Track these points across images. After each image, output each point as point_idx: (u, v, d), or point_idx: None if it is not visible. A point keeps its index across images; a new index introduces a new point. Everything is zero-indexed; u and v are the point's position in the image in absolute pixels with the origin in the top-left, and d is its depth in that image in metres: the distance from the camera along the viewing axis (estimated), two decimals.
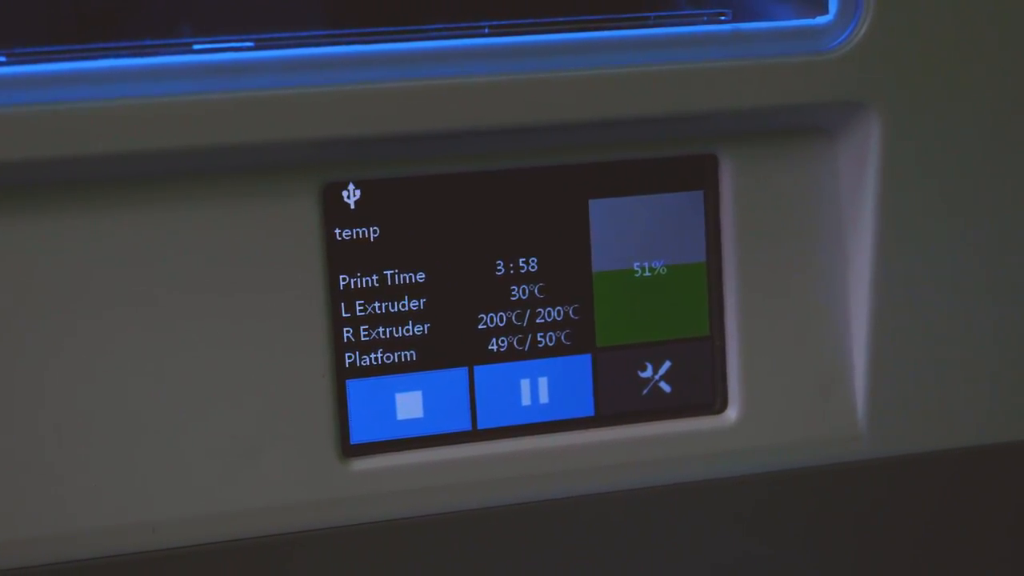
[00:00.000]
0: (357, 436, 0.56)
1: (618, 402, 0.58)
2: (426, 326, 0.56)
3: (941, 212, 0.58)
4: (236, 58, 0.52)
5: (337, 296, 0.55)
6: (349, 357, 0.56)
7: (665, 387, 0.59)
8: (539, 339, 0.57)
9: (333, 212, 0.55)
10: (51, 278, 0.52)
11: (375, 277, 0.56)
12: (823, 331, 0.59)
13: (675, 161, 0.58)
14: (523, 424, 0.58)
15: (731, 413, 0.59)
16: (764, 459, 0.59)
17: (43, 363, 0.53)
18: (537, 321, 0.57)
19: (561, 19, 0.55)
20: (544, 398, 0.58)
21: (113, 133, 0.51)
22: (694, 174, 0.58)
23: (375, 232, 0.56)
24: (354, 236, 0.55)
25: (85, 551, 0.53)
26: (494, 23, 0.54)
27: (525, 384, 0.58)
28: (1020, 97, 0.57)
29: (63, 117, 0.50)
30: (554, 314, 0.58)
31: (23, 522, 0.53)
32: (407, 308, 0.56)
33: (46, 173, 0.51)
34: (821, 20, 0.57)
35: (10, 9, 0.55)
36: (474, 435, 0.57)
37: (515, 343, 0.57)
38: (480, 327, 0.57)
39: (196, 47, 0.52)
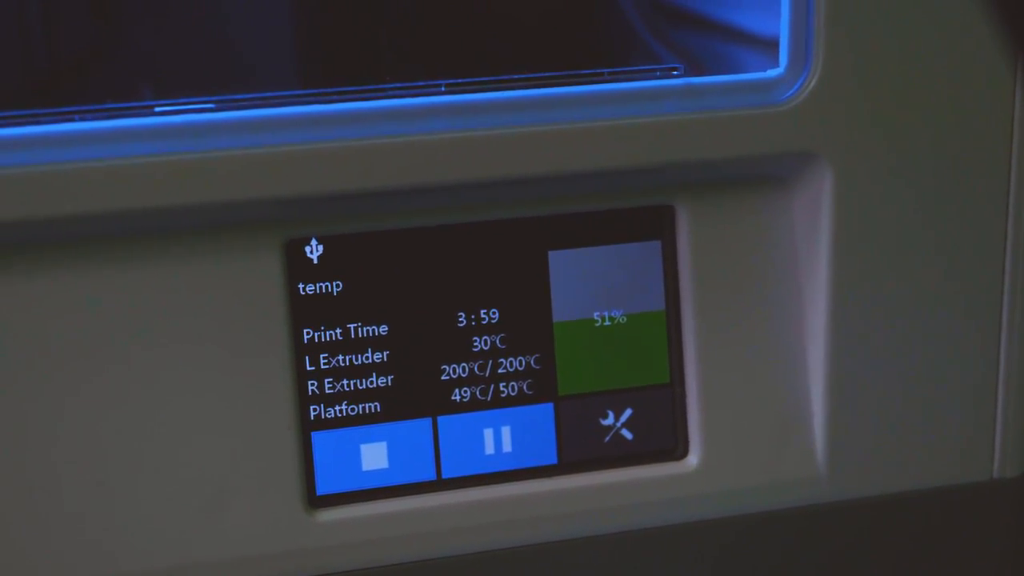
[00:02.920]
0: (323, 487, 0.57)
1: (581, 450, 0.59)
2: (390, 378, 0.57)
3: (894, 258, 0.59)
4: (198, 119, 0.53)
5: (301, 349, 0.56)
6: (314, 409, 0.57)
7: (627, 434, 0.60)
8: (501, 389, 0.59)
9: (296, 267, 0.56)
10: (11, 335, 0.53)
11: (339, 330, 0.57)
12: (781, 376, 0.60)
13: (633, 212, 0.59)
14: (487, 473, 0.58)
15: (692, 459, 0.60)
16: (725, 504, 0.60)
17: (6, 418, 0.54)
18: (499, 371, 0.58)
19: (517, 76, 0.56)
20: (507, 447, 0.59)
21: (76, 195, 0.52)
22: (652, 225, 0.59)
23: (338, 286, 0.57)
24: (317, 290, 0.56)
25: None
26: (450, 81, 0.55)
27: (488, 433, 0.58)
28: (967, 146, 0.59)
29: (26, 180, 0.51)
30: (516, 364, 0.59)
31: None
32: (371, 360, 0.57)
33: (4, 235, 0.52)
34: (772, 73, 0.58)
35: None
36: (439, 484, 0.58)
37: (478, 393, 0.58)
38: (443, 378, 0.58)
39: (158, 109, 0.53)
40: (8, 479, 0.54)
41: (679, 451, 0.60)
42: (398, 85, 0.55)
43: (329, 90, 0.54)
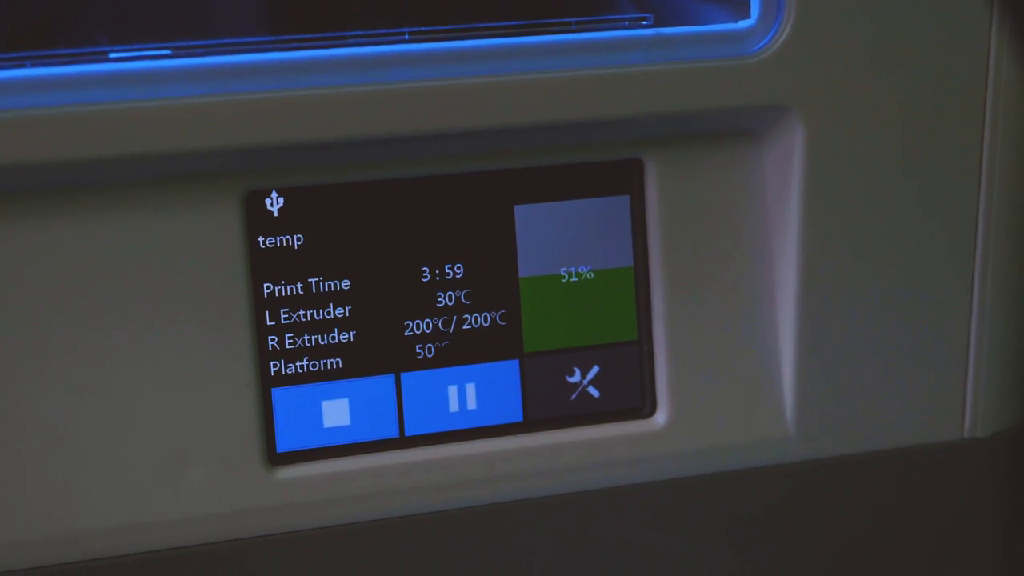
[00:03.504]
0: (283, 444, 0.56)
1: (546, 407, 0.58)
2: (352, 333, 0.56)
3: (865, 214, 0.58)
4: (154, 66, 0.51)
5: (261, 304, 0.55)
6: (275, 365, 0.56)
7: (594, 392, 0.59)
8: (466, 345, 0.57)
9: (256, 220, 0.55)
10: None
11: (300, 285, 0.56)
12: (751, 334, 0.59)
13: (601, 166, 0.58)
14: (451, 430, 0.57)
15: (660, 417, 0.59)
16: (693, 462, 0.59)
17: None
18: (464, 327, 0.57)
19: (483, 25, 0.55)
20: (472, 404, 0.58)
21: (29, 143, 0.50)
22: (620, 179, 0.58)
23: (299, 240, 0.55)
24: (278, 244, 0.55)
25: (5, 564, 0.53)
26: (414, 29, 0.54)
27: (453, 390, 0.57)
28: (938, 99, 0.58)
29: None
30: (481, 320, 0.58)
31: None
32: (332, 315, 0.56)
33: None
34: (743, 24, 0.57)
35: None
36: (402, 442, 0.57)
37: (442, 349, 0.57)
38: (407, 334, 0.57)
39: (112, 55, 0.51)
40: None
41: (646, 409, 0.59)
42: (361, 33, 0.54)
43: (290, 37, 0.53)
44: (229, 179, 0.54)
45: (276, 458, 0.56)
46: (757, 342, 0.59)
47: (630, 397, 0.59)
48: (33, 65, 0.51)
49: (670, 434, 0.59)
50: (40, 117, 0.50)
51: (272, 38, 0.53)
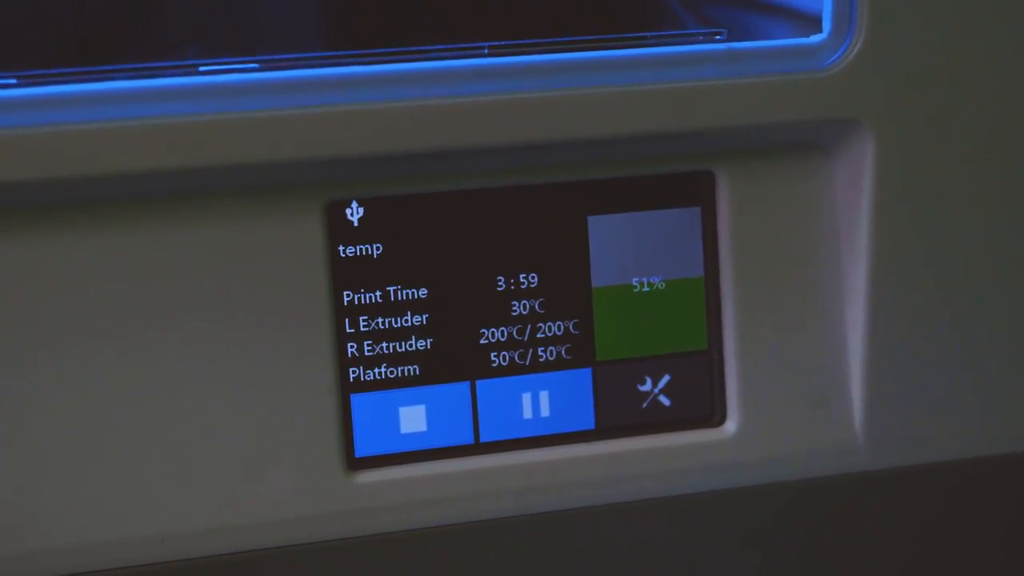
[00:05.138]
0: (362, 449, 0.57)
1: (618, 415, 0.59)
2: (429, 341, 0.57)
3: (936, 226, 0.59)
4: (241, 79, 0.53)
5: (341, 312, 0.56)
6: (353, 372, 0.57)
7: (664, 400, 0.60)
8: (540, 353, 0.58)
9: (337, 229, 0.56)
10: (57, 296, 0.53)
11: (378, 293, 0.57)
12: (820, 344, 0.60)
13: (673, 178, 0.59)
14: (525, 437, 0.58)
15: (729, 426, 0.60)
16: (762, 471, 0.60)
17: (54, 378, 0.54)
18: (538, 336, 0.58)
19: (560, 39, 0.56)
20: (545, 411, 0.59)
21: (120, 153, 0.52)
22: (691, 191, 0.59)
23: (378, 249, 0.57)
24: (358, 253, 0.56)
25: (94, 563, 0.54)
26: (494, 44, 0.55)
27: (526, 398, 0.58)
28: (1012, 114, 0.58)
29: (71, 138, 0.51)
30: (554, 329, 0.59)
31: (30, 535, 0.54)
32: (410, 323, 0.57)
33: (52, 194, 0.52)
34: (815, 39, 0.58)
35: (19, 33, 0.56)
36: (476, 448, 0.58)
37: (516, 357, 0.58)
38: (482, 342, 0.58)
39: (202, 69, 0.53)
40: (55, 439, 0.54)
41: (716, 418, 0.60)
42: (441, 47, 0.55)
43: (373, 51, 0.54)
44: (311, 190, 0.55)
45: (354, 463, 0.57)
46: (826, 352, 0.60)
47: (700, 406, 0.60)
48: (123, 78, 0.52)
49: (739, 443, 0.60)
50: (131, 129, 0.51)
51: (356, 52, 0.54)
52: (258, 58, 0.53)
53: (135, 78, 0.52)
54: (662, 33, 0.58)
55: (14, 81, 0.52)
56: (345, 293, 0.56)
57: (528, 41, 0.55)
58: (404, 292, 0.57)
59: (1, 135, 0.50)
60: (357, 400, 0.57)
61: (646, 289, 0.59)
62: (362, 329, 0.57)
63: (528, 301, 0.58)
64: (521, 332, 0.58)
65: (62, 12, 0.56)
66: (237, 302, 0.55)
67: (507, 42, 0.55)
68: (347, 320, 0.57)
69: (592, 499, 0.59)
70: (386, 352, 0.57)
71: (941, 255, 0.59)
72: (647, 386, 0.60)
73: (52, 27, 0.56)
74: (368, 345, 0.57)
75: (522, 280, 0.58)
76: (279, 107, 0.53)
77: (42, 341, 0.54)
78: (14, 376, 0.54)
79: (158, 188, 0.53)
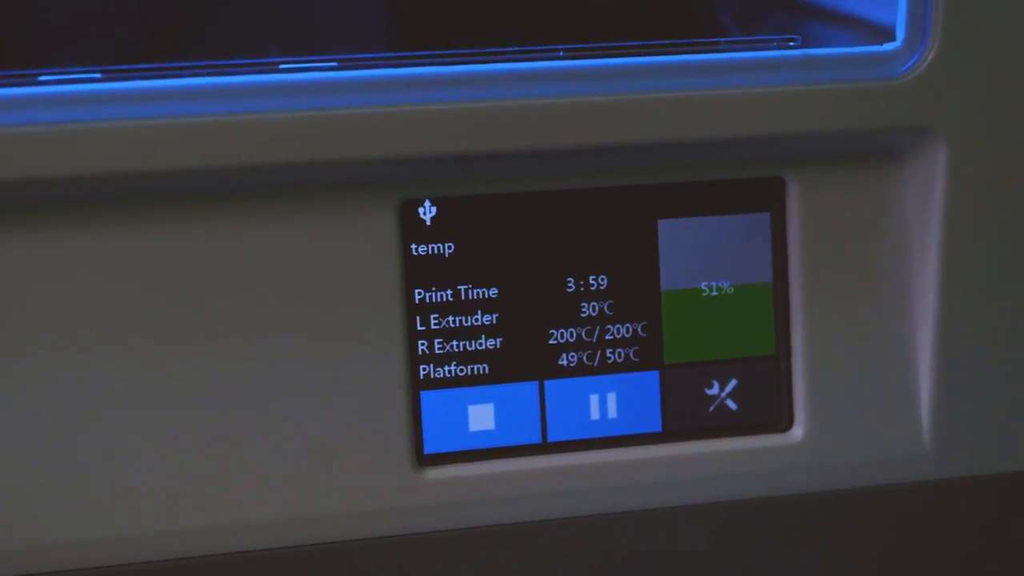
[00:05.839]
0: (431, 446, 0.58)
1: (685, 418, 0.60)
2: (498, 340, 0.58)
3: (1007, 235, 0.59)
4: (321, 78, 0.54)
5: (412, 310, 0.57)
6: (424, 369, 0.57)
7: (731, 404, 0.60)
8: (608, 355, 0.59)
9: (410, 228, 0.57)
10: (136, 286, 0.55)
11: (449, 292, 0.57)
12: (888, 351, 0.60)
13: (743, 183, 0.59)
14: (592, 438, 0.59)
15: (796, 431, 0.60)
16: (828, 477, 0.60)
17: (130, 370, 0.55)
18: (606, 337, 0.59)
19: (634, 43, 0.56)
20: (612, 413, 0.59)
21: (200, 149, 0.53)
22: (761, 196, 0.59)
23: (450, 248, 0.57)
24: (429, 251, 0.57)
25: (167, 551, 0.55)
26: (569, 47, 0.56)
27: (594, 399, 0.59)
28: None
29: (149, 132, 0.52)
30: (623, 331, 0.59)
31: (115, 522, 0.55)
32: (480, 323, 0.58)
33: (132, 186, 0.53)
34: (889, 47, 0.58)
35: (104, 28, 0.57)
36: (544, 448, 0.58)
37: (585, 358, 0.59)
38: (551, 342, 0.58)
39: (282, 67, 0.54)
40: (125, 430, 0.55)
41: (783, 423, 0.60)
42: (517, 49, 0.56)
43: (449, 52, 0.55)
44: (385, 188, 0.56)
45: (424, 459, 0.57)
46: (895, 359, 0.60)
47: (767, 411, 0.60)
48: (205, 74, 0.53)
49: (806, 448, 0.60)
50: (210, 124, 0.52)
51: (433, 52, 0.55)
52: (337, 56, 0.54)
53: (216, 75, 0.53)
54: (736, 39, 0.58)
55: (99, 75, 0.53)
56: (417, 291, 0.57)
57: (602, 44, 0.56)
58: (475, 291, 0.58)
59: (88, 128, 0.52)
60: (427, 397, 0.57)
61: (714, 293, 0.59)
62: (433, 327, 0.57)
63: (597, 303, 0.59)
64: (590, 333, 0.59)
65: (143, 9, 0.57)
66: (310, 298, 0.56)
67: (582, 45, 0.56)
68: (418, 318, 0.57)
69: (657, 501, 0.59)
70: (456, 350, 0.58)
71: (1012, 264, 0.59)
72: (714, 390, 0.60)
73: (136, 24, 0.58)
74: (438, 343, 0.57)
75: (592, 282, 0.58)
76: (357, 105, 0.54)
77: (116, 333, 0.55)
78: (97, 368, 0.55)
79: (236, 184, 0.54)
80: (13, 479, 0.54)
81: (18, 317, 0.54)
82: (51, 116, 0.52)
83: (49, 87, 0.53)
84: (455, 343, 0.58)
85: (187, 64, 0.53)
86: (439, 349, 0.58)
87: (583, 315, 0.59)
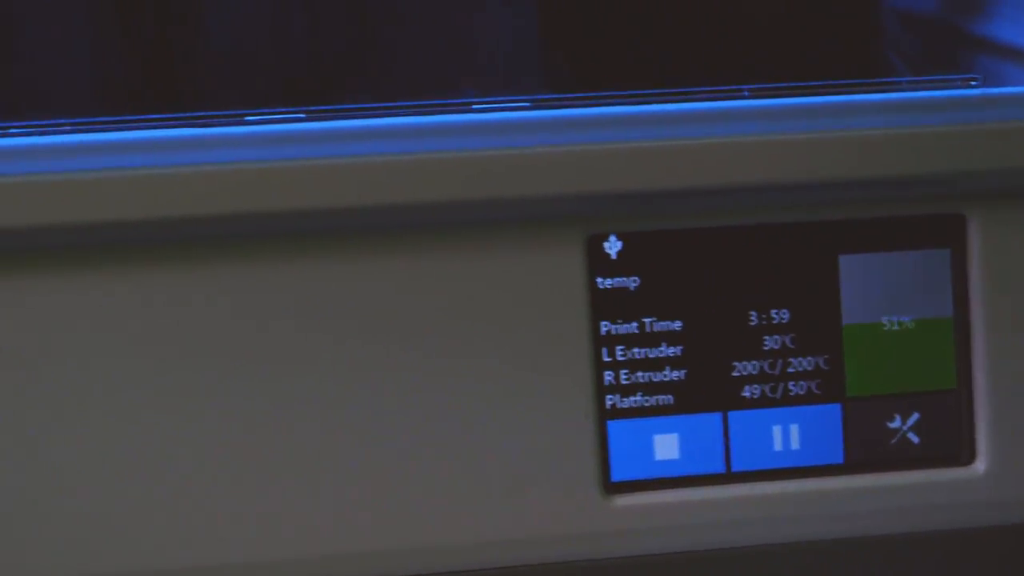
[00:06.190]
0: (618, 474, 0.59)
1: (866, 451, 0.60)
2: (683, 372, 0.60)
3: None
4: (514, 117, 0.56)
5: (599, 342, 0.59)
6: (610, 399, 0.59)
7: (913, 438, 0.61)
8: (791, 388, 0.60)
9: (596, 262, 0.59)
10: (319, 318, 0.57)
11: (635, 324, 0.59)
12: None
13: (924, 220, 0.60)
14: (774, 468, 0.60)
15: (979, 465, 0.60)
16: (1011, 511, 0.60)
17: (316, 394, 0.58)
18: (789, 370, 0.60)
19: (817, 83, 0.58)
20: (795, 444, 0.60)
21: (402, 188, 0.56)
22: (942, 233, 0.60)
23: (635, 281, 0.59)
24: (615, 285, 0.59)
25: (370, 571, 0.58)
26: (753, 86, 0.57)
27: (777, 430, 0.60)
28: None
29: (353, 168, 0.55)
30: (805, 364, 0.60)
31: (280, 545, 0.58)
32: (665, 354, 0.59)
33: (334, 221, 0.56)
34: None
35: (305, 69, 0.61)
36: (727, 477, 0.60)
37: (768, 391, 0.60)
38: (734, 374, 0.60)
39: (475, 107, 0.56)
40: (318, 451, 0.58)
41: (965, 456, 0.61)
42: (702, 89, 0.58)
43: (636, 92, 0.57)
44: (573, 223, 0.58)
45: (611, 487, 0.59)
46: None
47: (949, 444, 0.61)
48: (404, 114, 0.56)
49: (989, 482, 0.60)
50: (408, 163, 0.55)
51: (619, 93, 0.57)
52: (531, 97, 0.56)
53: (414, 115, 0.56)
54: (917, 79, 0.59)
55: (303, 116, 0.56)
56: (603, 324, 0.59)
57: (786, 84, 0.57)
58: (659, 324, 0.59)
59: (282, 166, 0.55)
60: (613, 427, 0.59)
61: (895, 328, 0.60)
62: (618, 359, 0.59)
63: (780, 336, 0.60)
64: (772, 366, 0.60)
65: (295, 51, 0.61)
66: (498, 329, 0.58)
67: (766, 85, 0.57)
68: (604, 349, 0.59)
69: (839, 532, 0.60)
70: (641, 381, 0.59)
71: None
72: (896, 423, 0.61)
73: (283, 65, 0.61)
74: (624, 374, 0.59)
75: (774, 315, 0.60)
76: (548, 144, 0.56)
77: (316, 360, 0.58)
78: (252, 389, 0.58)
79: (434, 218, 0.56)
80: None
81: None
82: (262, 155, 0.55)
83: (256, 127, 0.56)
84: (640, 374, 0.59)
85: (388, 104, 0.56)
86: (625, 380, 0.59)
87: (766, 348, 0.60)
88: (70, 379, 0.56)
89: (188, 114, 0.55)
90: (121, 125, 0.56)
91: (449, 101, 0.56)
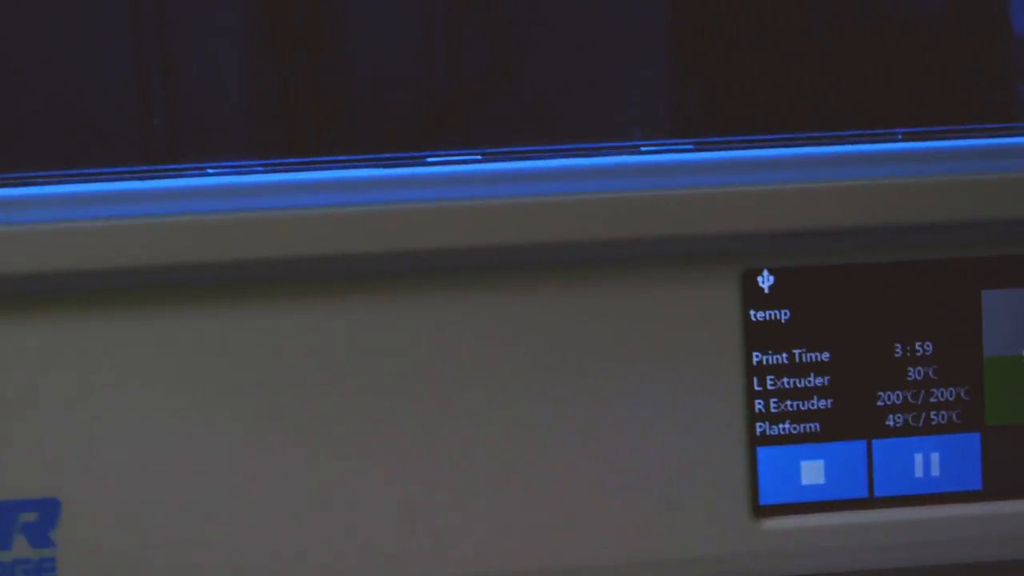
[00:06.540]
0: (766, 498, 0.62)
1: (1005, 478, 0.63)
2: (829, 401, 0.62)
3: None
4: (679, 159, 0.59)
5: (751, 371, 0.62)
6: (760, 426, 0.62)
7: None
8: (932, 417, 0.63)
9: (750, 296, 0.61)
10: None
11: (785, 355, 0.62)
12: None
13: None
14: (916, 495, 0.63)
15: None
16: None
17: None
18: (931, 400, 0.63)
19: (970, 127, 0.60)
20: (935, 471, 0.63)
21: (561, 223, 0.59)
22: None
23: (786, 314, 0.62)
24: (767, 318, 0.62)
25: None
26: (907, 130, 0.60)
27: (918, 458, 0.63)
28: None
29: (534, 207, 0.58)
30: (947, 394, 0.63)
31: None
32: (813, 384, 0.62)
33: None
34: None
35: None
36: (870, 502, 0.63)
37: (910, 420, 0.63)
38: (879, 404, 0.62)
39: (644, 149, 0.59)
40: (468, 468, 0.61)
41: None
42: (856, 133, 0.60)
43: (789, 136, 0.60)
44: (729, 260, 0.61)
45: (759, 510, 0.62)
46: None
47: None
48: (574, 155, 0.59)
49: None
50: (582, 203, 0.58)
51: (778, 136, 0.60)
52: (694, 140, 0.59)
53: (585, 156, 0.59)
54: None
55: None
56: (755, 354, 0.62)
57: (942, 128, 0.60)
58: (808, 355, 0.62)
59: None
60: (763, 453, 0.62)
61: None
62: (769, 388, 0.62)
63: (923, 367, 0.62)
64: (915, 396, 0.63)
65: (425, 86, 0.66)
66: (657, 356, 0.61)
67: (920, 129, 0.60)
68: (755, 379, 0.62)
69: (978, 556, 0.63)
70: (790, 410, 0.62)
71: None
72: None
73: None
74: (774, 403, 0.62)
75: (918, 348, 0.62)
76: (711, 184, 0.59)
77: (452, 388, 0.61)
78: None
79: (606, 254, 0.59)
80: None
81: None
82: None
83: (438, 168, 0.59)
84: (789, 403, 0.62)
85: (577, 146, 0.59)
86: (774, 408, 0.62)
87: (909, 379, 0.62)
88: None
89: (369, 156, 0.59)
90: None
91: (620, 144, 0.59)
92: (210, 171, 0.59)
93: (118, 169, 0.59)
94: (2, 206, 0.57)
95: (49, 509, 0.59)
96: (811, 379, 0.62)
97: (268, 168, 0.58)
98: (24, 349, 0.58)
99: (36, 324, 0.58)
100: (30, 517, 0.59)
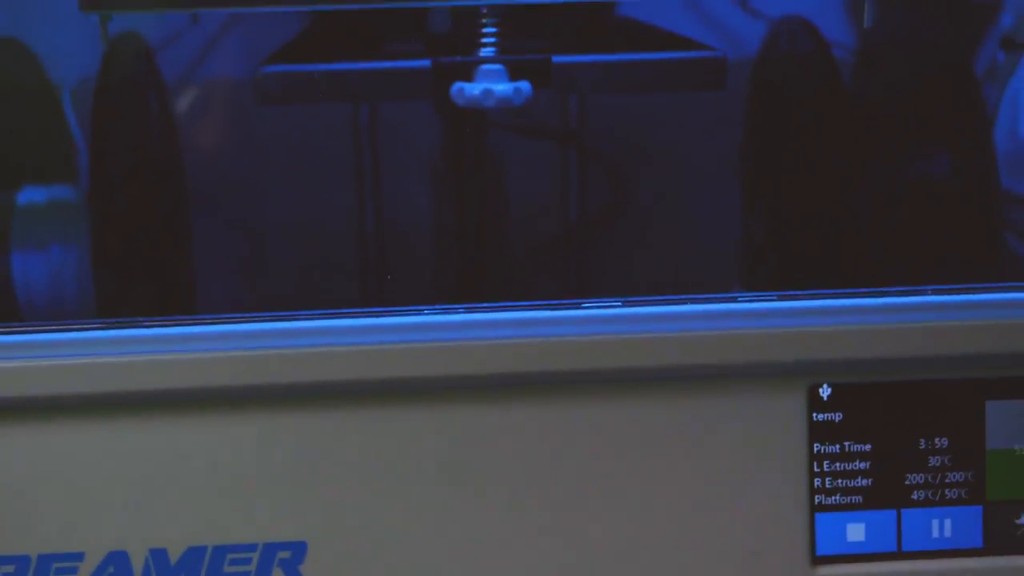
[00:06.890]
0: (822, 551, 0.83)
1: (1001, 538, 0.84)
2: (870, 480, 0.84)
3: None
4: (769, 306, 0.81)
5: (812, 458, 0.83)
6: (818, 498, 0.83)
7: None
8: (947, 493, 0.84)
9: (813, 402, 0.83)
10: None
11: (838, 446, 0.83)
12: None
13: None
14: (934, 550, 0.84)
15: None
16: None
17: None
18: (946, 481, 0.84)
19: (968, 285, 0.82)
20: (948, 533, 0.84)
21: (667, 353, 0.80)
22: None
23: (839, 416, 0.83)
24: (826, 419, 0.83)
25: None
26: (938, 287, 0.81)
27: (935, 523, 0.84)
28: None
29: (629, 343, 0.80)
30: (957, 476, 0.84)
31: None
32: (858, 468, 0.83)
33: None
34: None
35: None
36: (900, 555, 0.84)
37: (930, 495, 0.84)
38: (906, 483, 0.84)
39: (741, 299, 0.81)
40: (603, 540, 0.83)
41: None
42: (894, 289, 0.82)
43: (849, 292, 0.81)
44: (798, 378, 0.82)
45: (816, 560, 0.83)
46: None
47: None
48: (677, 304, 0.81)
49: None
50: (657, 340, 0.80)
51: (845, 291, 0.81)
52: (783, 293, 0.81)
53: (672, 305, 0.81)
54: None
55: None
56: (816, 445, 0.83)
57: (958, 286, 0.81)
58: (855, 446, 0.83)
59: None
60: (820, 517, 0.83)
61: None
62: (825, 470, 0.83)
63: (940, 457, 0.84)
64: (934, 478, 0.84)
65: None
66: (743, 448, 0.82)
67: (951, 286, 0.81)
68: (815, 463, 0.83)
69: None
70: (840, 486, 0.83)
71: None
72: (1023, 520, 0.85)
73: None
74: (828, 480, 0.83)
75: (936, 442, 0.84)
76: (787, 325, 0.80)
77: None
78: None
79: (696, 373, 0.81)
80: None
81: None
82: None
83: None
84: (840, 481, 0.83)
85: (701, 296, 0.80)
86: (829, 485, 0.83)
87: (930, 465, 0.84)
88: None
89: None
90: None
91: (714, 296, 0.80)
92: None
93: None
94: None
95: (299, 549, 0.81)
96: (856, 464, 0.84)
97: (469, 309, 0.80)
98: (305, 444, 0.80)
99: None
100: (285, 555, 0.81)
